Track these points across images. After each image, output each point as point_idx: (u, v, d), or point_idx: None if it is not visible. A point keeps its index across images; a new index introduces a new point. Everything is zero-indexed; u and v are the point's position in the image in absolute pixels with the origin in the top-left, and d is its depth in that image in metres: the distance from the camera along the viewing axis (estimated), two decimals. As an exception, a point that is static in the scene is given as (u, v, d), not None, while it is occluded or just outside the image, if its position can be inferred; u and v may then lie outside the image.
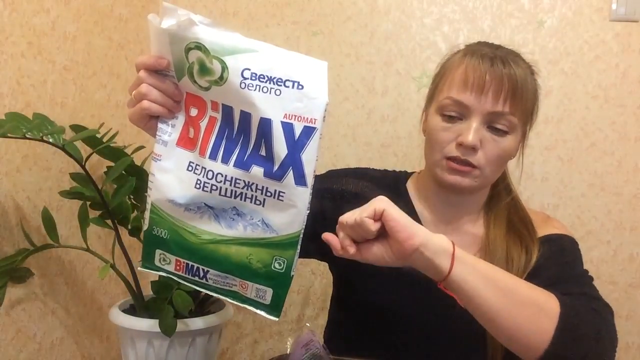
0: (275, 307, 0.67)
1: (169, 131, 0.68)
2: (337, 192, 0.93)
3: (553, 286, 0.72)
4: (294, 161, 0.62)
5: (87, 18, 1.15)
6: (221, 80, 0.62)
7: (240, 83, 0.62)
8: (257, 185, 0.65)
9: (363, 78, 1.40)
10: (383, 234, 0.68)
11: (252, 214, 0.66)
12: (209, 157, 0.66)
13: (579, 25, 1.31)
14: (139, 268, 0.73)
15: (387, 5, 1.38)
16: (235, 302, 0.70)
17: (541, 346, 0.67)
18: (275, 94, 0.61)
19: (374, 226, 0.66)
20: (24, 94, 0.99)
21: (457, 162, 0.82)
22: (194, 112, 0.67)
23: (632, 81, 1.30)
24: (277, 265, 0.66)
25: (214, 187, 0.66)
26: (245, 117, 0.63)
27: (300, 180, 0.63)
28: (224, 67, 0.62)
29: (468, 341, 0.84)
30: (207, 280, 0.69)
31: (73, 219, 1.06)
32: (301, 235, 0.65)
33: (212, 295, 0.82)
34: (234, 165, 0.65)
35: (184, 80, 0.66)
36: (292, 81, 0.61)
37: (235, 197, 0.66)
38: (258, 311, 0.68)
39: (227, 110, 0.65)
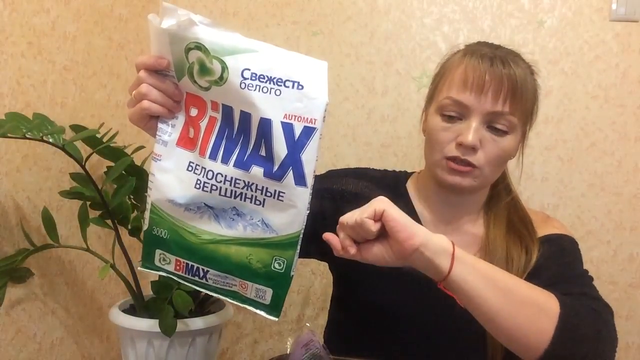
0: (275, 307, 0.67)
1: (169, 131, 0.68)
2: (337, 192, 0.93)
3: (553, 286, 0.72)
4: (294, 161, 0.62)
5: (87, 18, 1.15)
6: (221, 80, 0.62)
7: (240, 83, 0.62)
8: (257, 185, 0.65)
9: (363, 78, 1.40)
10: (383, 234, 0.68)
11: (252, 214, 0.66)
12: (209, 157, 0.66)
13: (579, 25, 1.31)
14: (139, 268, 0.73)
15: (387, 5, 1.38)
16: (235, 302, 0.70)
17: (541, 346, 0.67)
18: (275, 94, 0.61)
19: (374, 226, 0.67)
20: (24, 94, 0.99)
21: (457, 162, 0.82)
22: (194, 112, 0.67)
23: (632, 81, 1.30)
24: (277, 266, 0.66)
25: (214, 187, 0.66)
26: (245, 117, 0.63)
27: (300, 180, 0.63)
28: (224, 67, 0.62)
29: (468, 341, 0.84)
30: (207, 280, 0.69)
31: (73, 219, 1.06)
32: (301, 236, 0.65)
33: (212, 295, 0.82)
34: (234, 166, 0.65)
35: (184, 80, 0.66)
36: (292, 81, 0.61)
37: (235, 197, 0.66)
38: (258, 311, 0.68)
39: (227, 111, 0.65)
